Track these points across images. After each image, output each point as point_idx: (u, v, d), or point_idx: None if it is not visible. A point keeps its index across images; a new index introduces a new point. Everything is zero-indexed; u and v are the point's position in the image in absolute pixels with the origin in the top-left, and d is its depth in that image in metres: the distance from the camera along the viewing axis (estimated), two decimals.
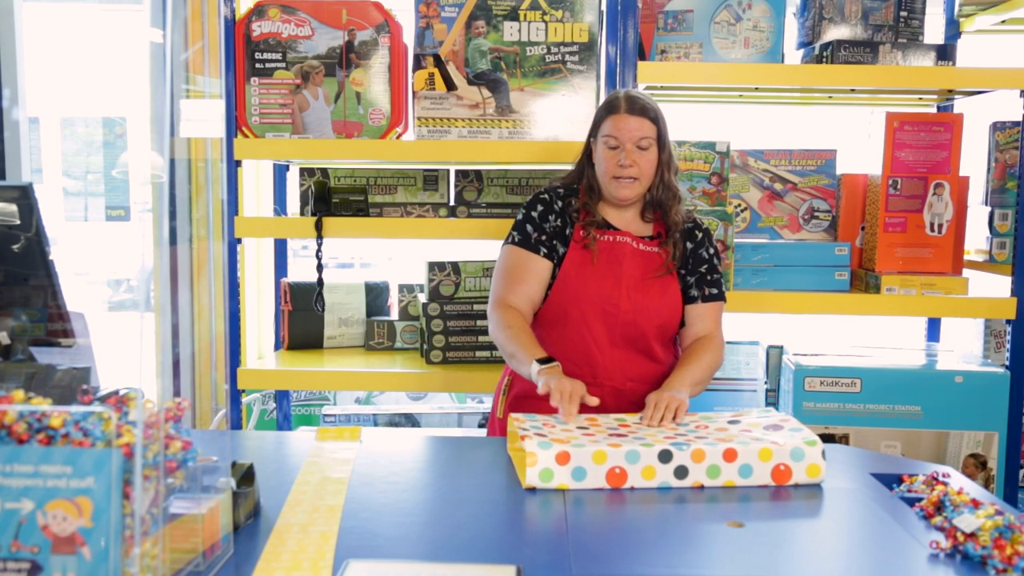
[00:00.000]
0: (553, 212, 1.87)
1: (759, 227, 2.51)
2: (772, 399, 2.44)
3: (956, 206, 2.34)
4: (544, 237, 1.85)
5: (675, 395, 1.64)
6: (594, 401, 1.60)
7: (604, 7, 2.28)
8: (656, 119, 1.82)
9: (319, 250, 2.37)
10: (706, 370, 1.80)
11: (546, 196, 1.89)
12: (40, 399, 0.95)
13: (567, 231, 1.86)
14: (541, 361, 1.68)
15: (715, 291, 1.89)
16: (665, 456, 1.37)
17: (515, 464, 1.47)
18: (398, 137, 2.37)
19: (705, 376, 1.79)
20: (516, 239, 1.87)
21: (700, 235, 1.91)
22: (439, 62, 2.30)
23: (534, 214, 1.87)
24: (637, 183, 1.81)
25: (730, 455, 1.38)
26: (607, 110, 1.84)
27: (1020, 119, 2.28)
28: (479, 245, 2.58)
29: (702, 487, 1.38)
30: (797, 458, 1.40)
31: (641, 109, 1.80)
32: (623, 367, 1.82)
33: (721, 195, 2.33)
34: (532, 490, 1.35)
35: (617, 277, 1.82)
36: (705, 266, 1.89)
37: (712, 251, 1.91)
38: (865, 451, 1.65)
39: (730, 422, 1.55)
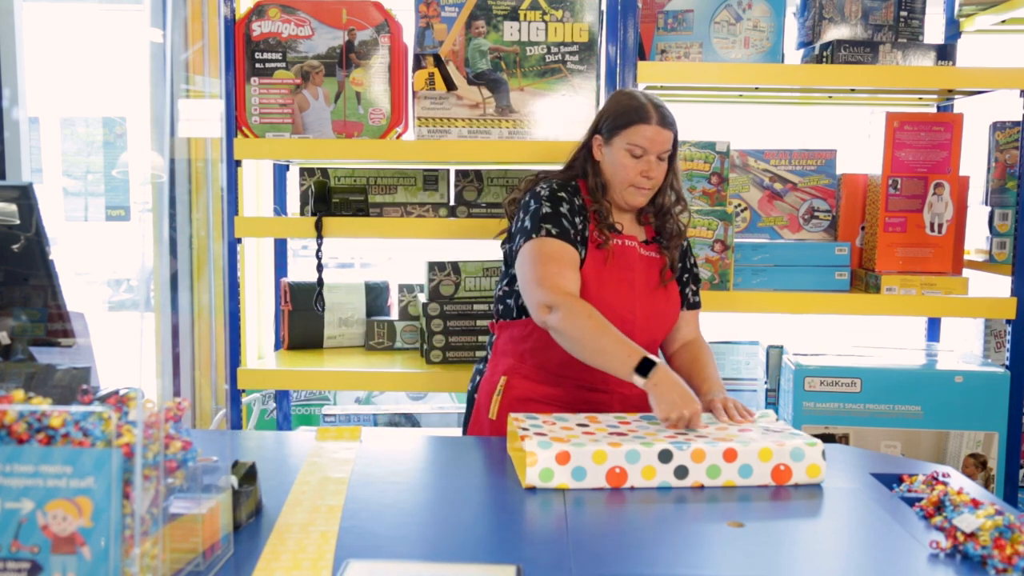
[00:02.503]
0: (576, 211, 1.79)
1: (759, 227, 2.51)
2: (772, 399, 2.44)
3: (956, 206, 2.34)
4: (577, 236, 1.76)
5: (735, 401, 1.67)
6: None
7: (604, 7, 2.28)
8: (675, 129, 1.81)
9: (319, 250, 2.37)
10: (716, 367, 1.87)
11: (563, 194, 1.80)
12: (40, 399, 0.95)
13: (585, 232, 1.80)
14: (642, 366, 1.57)
15: (698, 298, 1.96)
16: (665, 456, 1.37)
17: (515, 464, 1.47)
18: (398, 137, 2.37)
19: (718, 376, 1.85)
20: (554, 231, 1.73)
21: (685, 244, 1.92)
22: (439, 62, 2.30)
23: (563, 210, 1.76)
24: (651, 192, 1.82)
25: (730, 455, 1.38)
26: (637, 117, 1.77)
27: (1020, 119, 2.28)
28: (479, 245, 2.58)
29: (702, 487, 1.38)
30: (797, 458, 1.40)
31: (670, 121, 1.79)
32: None
33: (721, 195, 2.33)
34: (532, 490, 1.35)
35: (631, 283, 1.80)
36: (686, 275, 1.93)
37: (693, 260, 1.96)
38: (865, 451, 1.65)
39: (740, 427, 1.55)
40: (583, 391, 1.79)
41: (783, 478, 1.39)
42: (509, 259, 1.86)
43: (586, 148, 1.87)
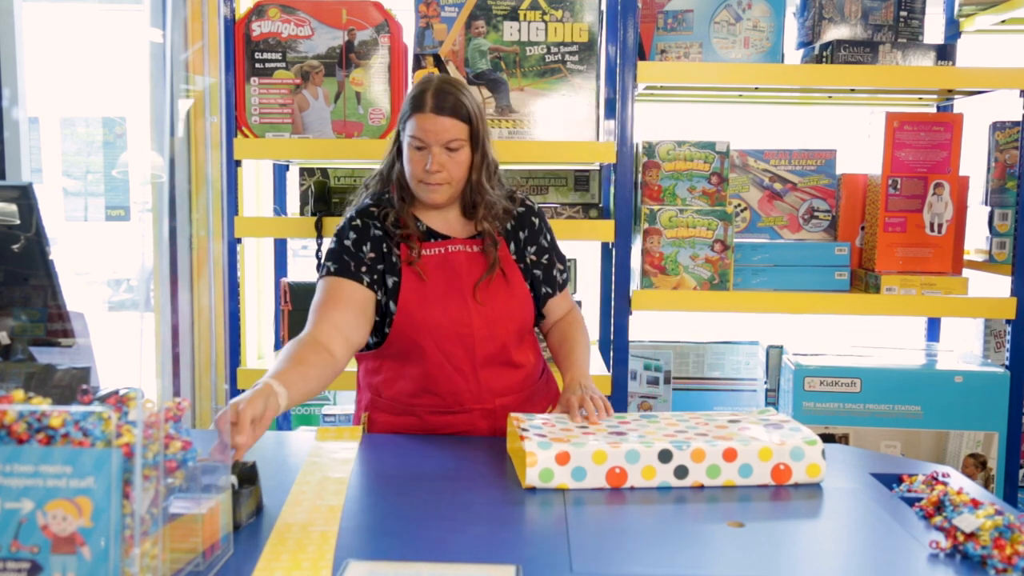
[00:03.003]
0: (368, 240, 1.66)
1: (759, 227, 2.51)
2: (772, 399, 2.44)
3: (956, 206, 2.34)
4: (364, 268, 1.63)
5: (591, 391, 1.62)
6: None
7: (604, 7, 2.28)
8: (470, 117, 1.62)
9: (319, 250, 2.37)
10: (587, 350, 1.77)
11: (358, 222, 1.67)
12: (40, 399, 0.95)
13: (393, 257, 1.65)
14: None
15: (564, 277, 1.82)
16: (665, 456, 1.37)
17: (515, 464, 1.47)
18: None
19: (588, 357, 1.76)
20: (332, 269, 1.63)
21: (537, 222, 1.77)
22: (439, 62, 2.30)
23: (347, 242, 1.65)
24: (448, 187, 1.64)
25: (730, 455, 1.38)
26: (413, 106, 1.62)
27: (1020, 119, 2.28)
28: None
29: (702, 487, 1.38)
30: (797, 458, 1.40)
31: (452, 108, 1.60)
32: (490, 386, 1.69)
33: (721, 195, 2.34)
34: (532, 490, 1.35)
35: (461, 293, 1.66)
36: (547, 256, 1.78)
37: (550, 236, 1.80)
38: (865, 451, 1.65)
39: (730, 421, 1.55)
40: (439, 416, 1.70)
41: (783, 478, 1.39)
42: None
43: (396, 143, 1.71)
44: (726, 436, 1.43)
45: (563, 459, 1.35)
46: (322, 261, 1.69)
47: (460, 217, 1.73)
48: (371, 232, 1.67)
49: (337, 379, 2.44)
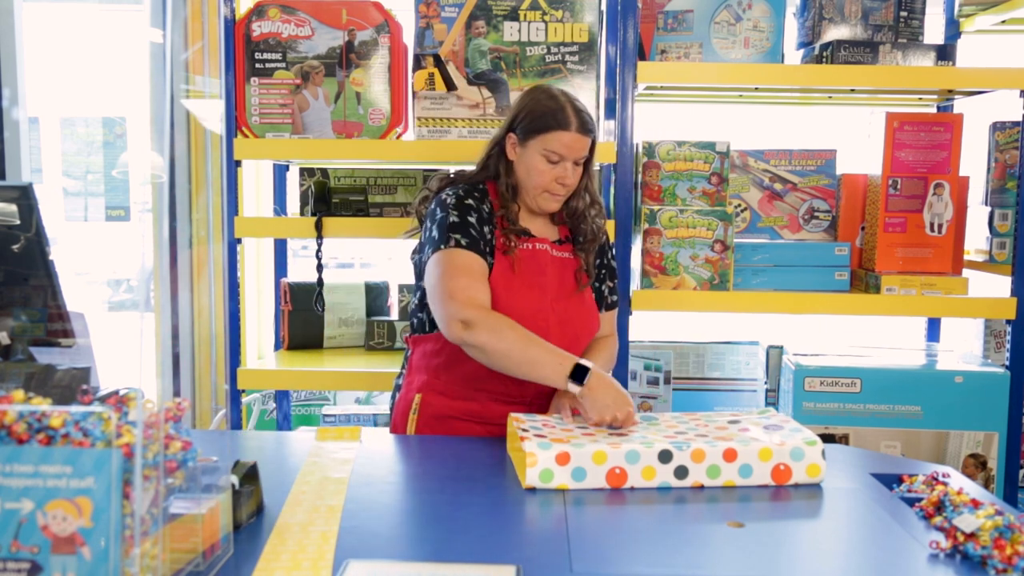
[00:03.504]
0: (483, 219, 1.71)
1: (759, 227, 2.51)
2: (772, 399, 2.44)
3: (956, 206, 2.34)
4: (486, 246, 1.69)
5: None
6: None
7: (604, 7, 2.28)
8: (595, 134, 1.74)
9: (319, 250, 2.37)
10: (609, 362, 1.85)
11: (470, 201, 1.72)
12: (40, 399, 0.95)
13: (493, 240, 1.72)
14: (576, 373, 1.54)
15: (615, 298, 1.91)
16: (665, 456, 1.37)
17: (515, 464, 1.47)
18: (398, 137, 2.37)
19: (608, 367, 1.83)
20: (463, 242, 1.66)
21: (605, 239, 1.87)
22: (439, 62, 2.30)
23: (471, 219, 1.69)
24: (564, 197, 1.76)
25: (730, 455, 1.38)
26: (555, 123, 1.69)
27: (1020, 119, 2.28)
28: None
29: (702, 487, 1.38)
30: (797, 458, 1.40)
31: (590, 128, 1.72)
32: None
33: (721, 195, 2.34)
34: (532, 490, 1.35)
35: (542, 288, 1.73)
36: (604, 272, 1.88)
37: (612, 255, 1.91)
38: (865, 451, 1.65)
39: (730, 422, 1.55)
40: (500, 404, 1.72)
41: (783, 478, 1.39)
42: (419, 271, 1.77)
43: (499, 146, 1.78)
44: (726, 436, 1.43)
45: (563, 459, 1.35)
46: (439, 233, 1.68)
47: (546, 221, 1.82)
48: (482, 210, 1.72)
49: (337, 379, 2.46)
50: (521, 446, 1.39)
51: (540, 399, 1.74)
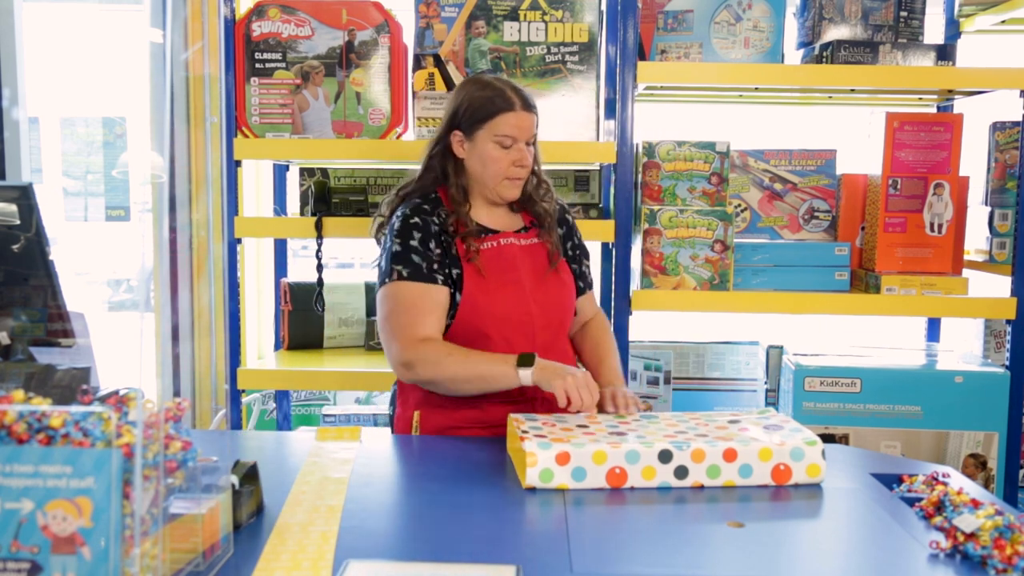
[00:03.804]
0: (432, 238, 1.69)
1: (759, 227, 2.51)
2: (772, 399, 2.44)
3: (956, 206, 2.34)
4: (436, 265, 1.67)
5: (626, 391, 1.67)
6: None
7: (604, 7, 2.28)
8: (536, 109, 1.72)
9: (319, 250, 2.37)
10: (618, 355, 1.85)
11: (418, 220, 1.70)
12: (40, 399, 0.95)
13: (452, 250, 1.70)
14: (523, 363, 1.56)
15: (590, 277, 1.91)
16: (665, 456, 1.37)
17: (515, 464, 1.47)
18: (398, 137, 2.37)
19: (619, 360, 1.85)
20: (405, 273, 1.65)
21: (570, 219, 1.87)
22: (439, 62, 2.30)
23: (414, 243, 1.67)
24: (523, 180, 1.75)
25: (730, 455, 1.38)
26: (500, 105, 1.67)
27: (1020, 119, 2.28)
28: None
29: (702, 487, 1.38)
30: (797, 458, 1.40)
31: (532, 103, 1.71)
32: None
33: (721, 195, 2.34)
34: (532, 490, 1.35)
35: (518, 283, 1.71)
36: (578, 252, 1.87)
37: (579, 236, 1.89)
38: (865, 451, 1.65)
39: (730, 422, 1.55)
40: (502, 406, 1.69)
41: (783, 478, 1.39)
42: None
43: (442, 146, 1.76)
44: (726, 436, 1.43)
45: (563, 459, 1.35)
46: (385, 265, 1.69)
47: (507, 211, 1.81)
48: (431, 228, 1.70)
49: (337, 379, 2.46)
50: (521, 446, 1.39)
51: (536, 392, 1.69)
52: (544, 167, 2.48)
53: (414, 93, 2.32)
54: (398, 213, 1.73)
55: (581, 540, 1.16)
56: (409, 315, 1.63)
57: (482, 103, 1.69)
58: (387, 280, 1.67)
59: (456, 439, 1.66)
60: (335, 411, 3.06)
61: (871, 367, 2.21)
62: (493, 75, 1.75)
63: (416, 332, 1.62)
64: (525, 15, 2.28)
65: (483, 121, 1.69)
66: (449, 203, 1.75)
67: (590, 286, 1.91)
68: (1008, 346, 2.26)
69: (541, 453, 1.35)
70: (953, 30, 2.60)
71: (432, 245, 1.68)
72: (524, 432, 1.44)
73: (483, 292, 1.69)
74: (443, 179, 1.76)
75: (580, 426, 1.50)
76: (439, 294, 1.66)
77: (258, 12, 2.29)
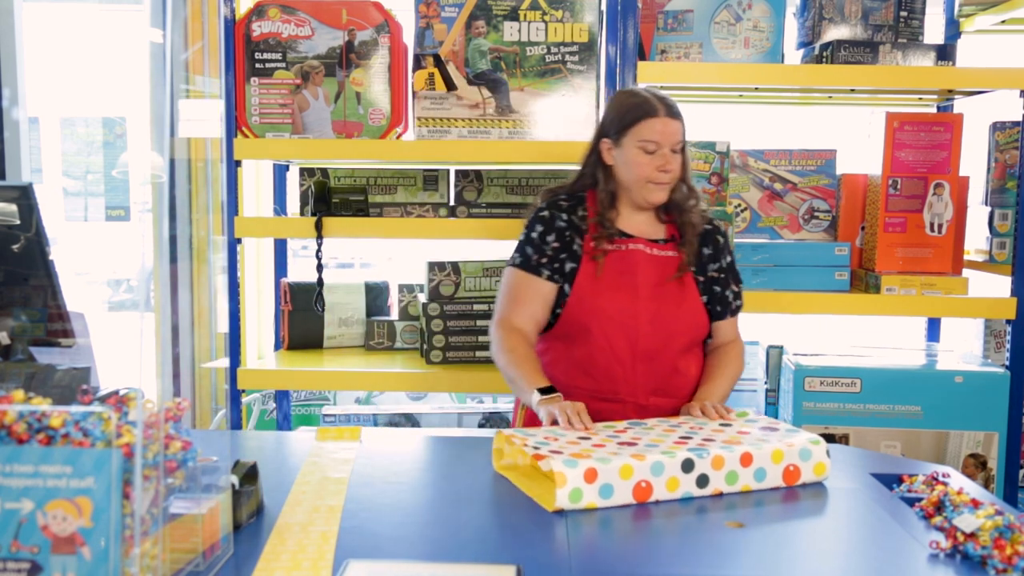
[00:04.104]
0: (554, 231, 1.79)
1: (759, 227, 2.51)
2: (772, 399, 2.44)
3: (956, 206, 2.34)
4: (545, 259, 1.78)
5: (707, 403, 1.66)
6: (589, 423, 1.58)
7: (604, 7, 2.28)
8: (683, 120, 1.78)
9: (319, 250, 2.37)
10: (731, 381, 1.81)
11: (546, 214, 1.82)
12: (40, 399, 0.95)
13: (575, 246, 1.79)
14: (543, 391, 1.64)
15: (738, 303, 1.88)
16: (688, 465, 1.33)
17: (523, 486, 1.37)
18: (398, 137, 2.37)
19: (730, 388, 1.81)
20: (517, 261, 1.81)
21: (721, 240, 1.85)
22: (439, 62, 2.30)
23: (534, 235, 1.81)
24: (670, 186, 1.78)
25: (746, 459, 1.35)
26: (643, 112, 1.74)
27: (1020, 119, 2.28)
28: (479, 245, 2.58)
29: (721, 494, 1.35)
30: (805, 457, 1.39)
31: (677, 112, 1.76)
32: (646, 381, 1.76)
33: (721, 195, 2.33)
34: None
35: (632, 287, 1.76)
36: (726, 274, 1.85)
37: (731, 258, 1.87)
38: (865, 451, 1.65)
39: (722, 425, 1.53)
40: (596, 401, 1.74)
41: (793, 479, 1.39)
42: None
43: (595, 154, 1.83)
44: (733, 440, 1.42)
45: (591, 476, 1.27)
46: (513, 250, 1.84)
47: (653, 220, 1.84)
48: (556, 223, 1.80)
49: (337, 379, 2.46)
50: (542, 465, 1.30)
51: (636, 398, 1.76)
52: (544, 167, 2.50)
53: (414, 93, 2.32)
54: (542, 204, 1.86)
55: (581, 540, 1.16)
56: (508, 298, 1.81)
57: (628, 110, 1.76)
58: (508, 264, 1.84)
59: (456, 439, 1.66)
60: (335, 411, 3.06)
61: (871, 367, 2.21)
62: (643, 88, 1.80)
63: (506, 315, 1.80)
64: (525, 15, 2.28)
65: (628, 127, 1.75)
66: (595, 204, 1.82)
67: (732, 311, 1.86)
68: (1008, 346, 2.26)
69: (569, 472, 1.26)
70: (953, 30, 2.60)
71: (551, 239, 1.80)
72: (535, 449, 1.36)
73: (593, 289, 1.76)
74: (593, 185, 1.84)
75: (583, 438, 1.44)
76: (541, 286, 1.79)
77: (258, 12, 2.29)
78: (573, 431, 1.50)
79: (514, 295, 1.80)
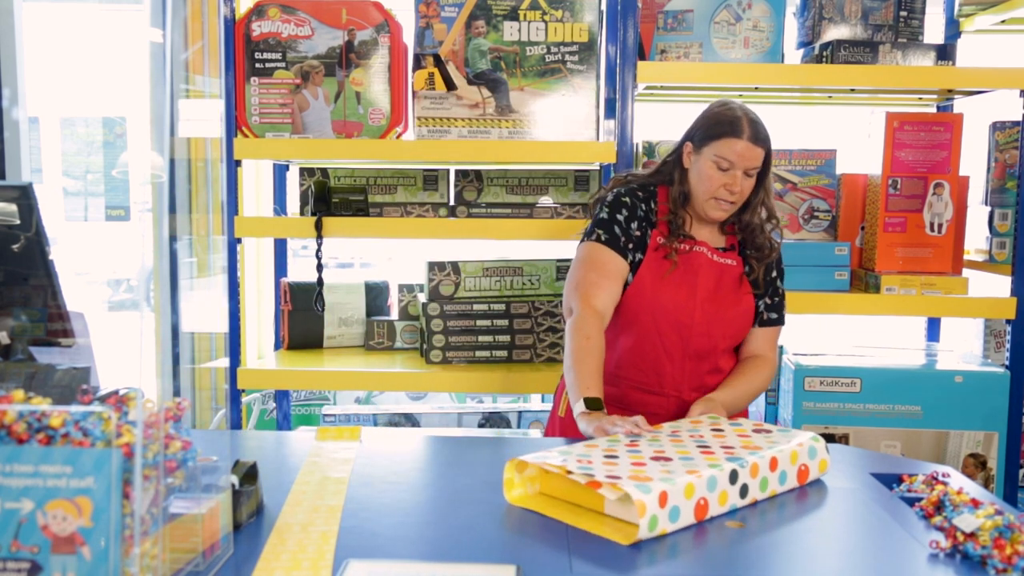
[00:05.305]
0: (636, 218, 1.80)
1: None
2: (772, 399, 2.44)
3: (956, 206, 2.34)
4: (629, 243, 1.78)
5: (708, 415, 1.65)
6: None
7: (604, 7, 2.28)
8: (768, 146, 1.75)
9: (319, 250, 2.37)
10: (745, 395, 1.79)
11: (628, 200, 1.81)
12: (40, 399, 0.95)
13: (646, 237, 1.80)
14: (588, 403, 1.59)
15: (776, 315, 1.86)
16: (733, 476, 1.29)
17: (576, 521, 1.21)
18: (398, 137, 2.37)
19: (742, 401, 1.79)
20: (603, 238, 1.77)
21: (778, 269, 1.87)
22: (439, 62, 2.30)
23: (620, 216, 1.79)
24: (733, 207, 1.77)
25: (774, 464, 1.34)
26: (728, 130, 1.73)
27: (1020, 119, 2.28)
28: (479, 245, 2.58)
29: (755, 503, 1.32)
30: (812, 456, 1.40)
31: (763, 138, 1.74)
32: (691, 378, 1.78)
33: None
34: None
35: (692, 288, 1.77)
36: (771, 289, 1.85)
37: (777, 273, 1.87)
38: (865, 451, 1.65)
39: (715, 430, 1.50)
40: (639, 392, 1.79)
41: (804, 478, 1.39)
42: None
43: (677, 154, 1.84)
44: (749, 445, 1.39)
45: (663, 500, 1.17)
46: (590, 227, 1.81)
47: (715, 228, 1.84)
48: (638, 212, 1.81)
49: (337, 379, 2.46)
50: (604, 493, 1.19)
51: (679, 392, 1.77)
52: (544, 166, 2.50)
53: (414, 93, 2.32)
54: (616, 190, 1.84)
55: (581, 540, 1.16)
56: (593, 274, 1.76)
57: (716, 123, 1.76)
58: (587, 239, 1.80)
59: (455, 439, 1.66)
60: (335, 411, 3.06)
61: (871, 367, 2.21)
62: (740, 104, 1.78)
63: (589, 292, 1.75)
64: (525, 15, 2.28)
65: (710, 139, 1.75)
66: (666, 200, 1.83)
67: (764, 322, 1.85)
68: (1008, 346, 2.26)
69: (647, 498, 1.14)
70: (953, 30, 2.60)
71: (633, 226, 1.79)
72: (587, 473, 1.21)
73: (654, 281, 1.77)
74: (669, 183, 1.84)
75: (609, 456, 1.32)
76: (623, 266, 1.77)
77: (258, 12, 2.29)
78: (592, 447, 1.38)
79: (599, 270, 1.76)
